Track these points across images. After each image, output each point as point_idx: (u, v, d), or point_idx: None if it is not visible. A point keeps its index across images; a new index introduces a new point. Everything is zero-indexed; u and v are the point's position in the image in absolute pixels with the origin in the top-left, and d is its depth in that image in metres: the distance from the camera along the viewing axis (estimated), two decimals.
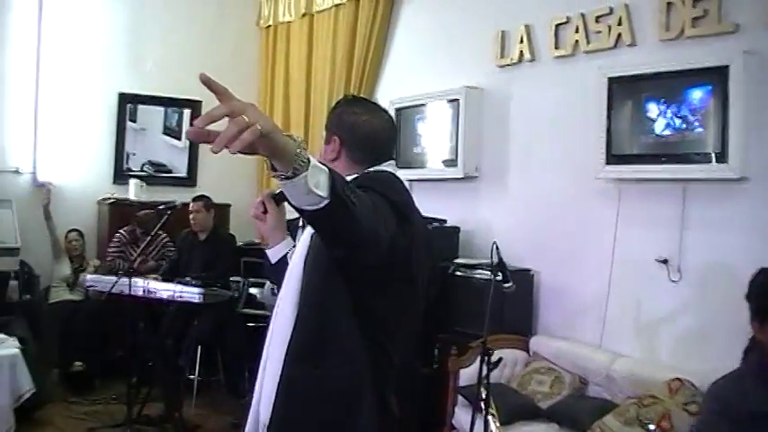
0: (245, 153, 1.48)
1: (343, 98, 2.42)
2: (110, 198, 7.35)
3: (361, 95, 6.72)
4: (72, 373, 6.47)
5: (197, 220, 6.45)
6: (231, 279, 6.64)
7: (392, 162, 2.25)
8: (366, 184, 1.93)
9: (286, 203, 2.18)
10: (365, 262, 1.87)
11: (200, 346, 6.22)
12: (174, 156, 8.05)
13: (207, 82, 1.51)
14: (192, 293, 5.71)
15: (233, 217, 7.70)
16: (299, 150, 1.55)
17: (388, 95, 6.58)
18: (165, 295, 5.75)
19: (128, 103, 7.72)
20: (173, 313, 6.17)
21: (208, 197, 6.62)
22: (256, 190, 8.11)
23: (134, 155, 7.86)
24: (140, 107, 7.82)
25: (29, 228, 6.77)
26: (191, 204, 6.49)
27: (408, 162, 6.19)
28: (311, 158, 1.57)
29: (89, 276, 6.40)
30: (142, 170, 7.82)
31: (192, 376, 6.24)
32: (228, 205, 7.64)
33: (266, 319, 6.08)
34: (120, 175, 7.69)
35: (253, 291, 6.62)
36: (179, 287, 5.78)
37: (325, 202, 1.58)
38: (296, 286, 2.06)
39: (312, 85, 7.61)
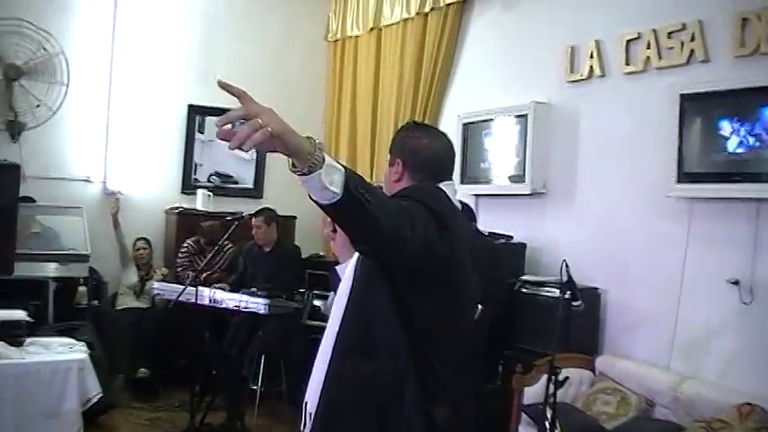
0: (264, 150, 1.71)
1: (406, 124, 2.58)
2: (177, 208, 7.46)
3: (426, 114, 6.78)
4: (137, 380, 6.56)
5: (259, 235, 6.44)
6: (296, 291, 6.66)
7: (451, 182, 2.36)
8: (406, 194, 2.09)
9: None
10: (392, 261, 2.01)
11: (263, 357, 6.24)
12: (240, 167, 8.13)
13: (225, 87, 1.73)
14: (257, 304, 5.75)
15: (298, 229, 7.73)
16: (314, 150, 1.69)
17: (455, 110, 6.57)
18: (230, 305, 5.80)
19: (196, 115, 7.83)
20: (237, 323, 6.20)
21: (270, 210, 6.59)
22: None
23: (201, 166, 7.96)
24: (208, 119, 7.91)
25: (98, 235, 6.89)
26: (253, 219, 6.50)
27: (474, 177, 6.17)
28: (327, 158, 1.71)
29: (156, 284, 6.50)
30: (209, 181, 7.92)
31: (254, 386, 6.26)
32: (294, 217, 7.67)
33: None
34: (188, 186, 7.80)
35: (317, 303, 6.64)
36: (245, 297, 5.82)
37: (338, 197, 1.72)
38: (347, 288, 2.19)
39: (379, 99, 7.63)
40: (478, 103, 6.28)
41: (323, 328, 2.21)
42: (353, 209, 1.75)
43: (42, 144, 7.05)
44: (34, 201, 6.75)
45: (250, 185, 8.18)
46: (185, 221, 7.30)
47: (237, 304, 5.79)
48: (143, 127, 7.46)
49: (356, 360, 2.08)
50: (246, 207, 6.89)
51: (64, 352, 4.56)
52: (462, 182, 6.23)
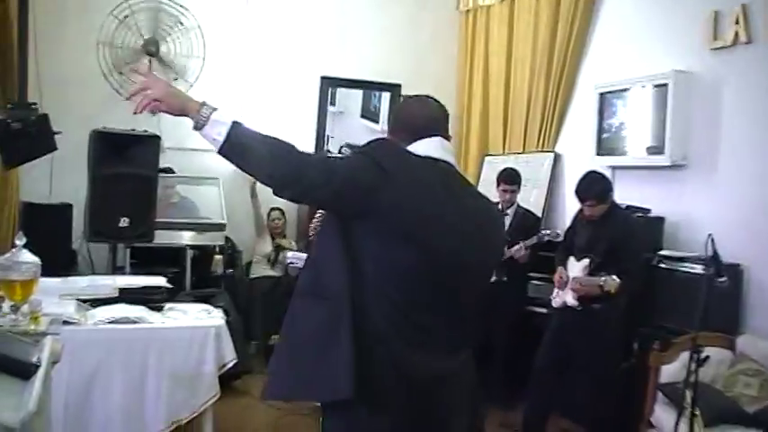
0: (156, 111, 2.29)
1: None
2: None
3: (561, 84, 6.64)
4: (270, 347, 6.70)
5: None
6: None
7: (435, 138, 2.49)
8: (357, 150, 2.47)
9: None
10: (305, 202, 2.78)
11: None
12: (371, 137, 8.12)
13: (135, 70, 2.57)
14: None
15: None
16: (200, 109, 2.23)
17: (591, 79, 6.41)
18: None
19: (329, 87, 7.88)
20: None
21: None
22: None
23: (332, 137, 8.02)
24: (339, 90, 7.96)
25: (233, 205, 7.07)
26: None
27: (611, 149, 6.00)
28: (216, 115, 2.22)
29: (290, 253, 6.61)
30: (340, 152, 7.97)
31: None
32: None
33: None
34: None
35: None
36: None
37: (219, 145, 2.20)
38: None
39: (512, 69, 7.51)
40: (615, 73, 6.10)
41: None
42: (239, 153, 2.21)
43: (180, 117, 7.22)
44: (173, 172, 6.97)
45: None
46: None
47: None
48: (276, 99, 7.56)
49: (307, 300, 2.31)
50: None
51: (201, 318, 4.67)
52: (598, 153, 6.07)
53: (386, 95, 8.03)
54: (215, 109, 2.24)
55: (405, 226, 2.25)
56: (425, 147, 2.44)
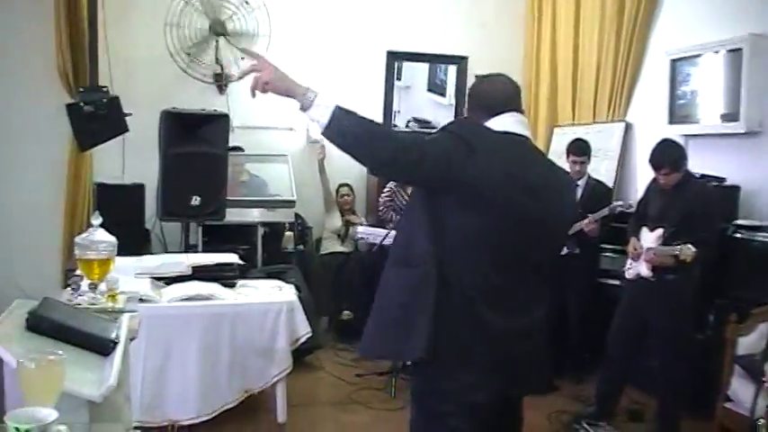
0: (264, 92, 2.44)
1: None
2: None
3: (630, 52, 6.50)
4: (340, 321, 6.76)
5: None
6: None
7: (514, 113, 2.65)
8: (442, 128, 2.64)
9: None
10: (412, 181, 2.70)
11: None
12: (438, 112, 8.08)
13: (246, 52, 2.59)
14: None
15: None
16: (306, 93, 2.39)
17: (661, 46, 6.25)
18: None
19: (395, 61, 7.84)
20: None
21: None
22: None
23: (398, 112, 7.99)
24: (405, 65, 7.92)
25: (302, 182, 7.10)
26: None
27: (683, 117, 5.86)
28: (317, 100, 2.38)
29: (360, 228, 6.62)
30: (407, 126, 7.94)
31: None
32: None
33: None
34: None
35: None
36: None
37: (322, 128, 2.38)
38: None
39: (580, 36, 7.36)
40: (687, 38, 5.92)
41: None
42: (340, 136, 2.39)
43: (248, 95, 7.26)
44: (242, 150, 7.03)
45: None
46: None
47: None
48: (343, 75, 7.53)
49: (398, 268, 2.56)
50: None
51: (273, 294, 4.73)
52: (670, 121, 5.94)
53: (452, 69, 7.95)
54: (317, 93, 2.40)
55: (487, 196, 2.43)
56: (503, 122, 2.60)
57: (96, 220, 2.72)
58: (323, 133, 2.39)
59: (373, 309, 2.65)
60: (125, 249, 5.05)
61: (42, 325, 2.09)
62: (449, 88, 8.00)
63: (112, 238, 2.74)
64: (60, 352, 1.64)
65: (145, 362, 4.24)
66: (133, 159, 6.66)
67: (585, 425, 4.65)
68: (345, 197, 7.34)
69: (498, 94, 2.71)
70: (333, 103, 2.38)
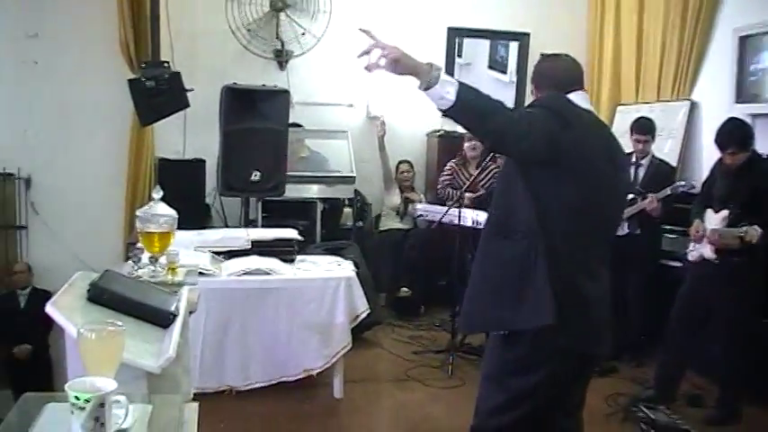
0: (391, 72, 2.48)
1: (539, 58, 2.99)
2: (439, 131, 7.46)
3: (697, 30, 6.33)
4: (398, 298, 6.74)
5: None
6: None
7: (580, 92, 2.74)
8: (534, 103, 2.68)
9: None
10: (518, 155, 2.55)
11: None
12: (499, 90, 7.98)
13: (366, 32, 2.55)
14: None
15: None
16: (431, 71, 2.38)
17: (729, 23, 6.07)
18: None
19: (456, 37, 7.76)
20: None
21: None
22: None
23: None
24: (466, 41, 7.84)
25: (362, 158, 7.10)
26: None
27: (750, 96, 5.70)
28: (443, 75, 2.38)
29: (419, 206, 6.59)
30: None
31: None
32: None
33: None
34: None
35: None
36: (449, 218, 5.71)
37: (451, 103, 2.38)
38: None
39: (644, 12, 7.18)
40: (755, 15, 5.73)
41: None
42: (466, 111, 2.42)
43: (308, 71, 7.31)
44: (302, 126, 7.04)
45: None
46: (446, 144, 7.31)
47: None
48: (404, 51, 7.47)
49: (499, 240, 2.61)
50: None
51: (332, 269, 4.73)
52: (737, 100, 5.79)
53: (513, 45, 7.86)
54: (441, 68, 2.42)
55: (578, 168, 2.53)
56: (575, 99, 2.68)
57: (157, 193, 2.73)
58: (447, 111, 2.40)
59: (473, 282, 2.70)
60: (186, 224, 5.08)
61: (103, 296, 2.11)
62: (510, 65, 7.90)
63: (173, 212, 2.75)
64: (120, 323, 1.64)
65: (204, 334, 4.29)
66: (194, 134, 6.72)
67: (644, 408, 4.55)
68: (405, 174, 7.31)
69: (567, 72, 2.80)
70: (456, 79, 2.40)
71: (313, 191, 6.70)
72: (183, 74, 5.65)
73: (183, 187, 6.14)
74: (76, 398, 1.36)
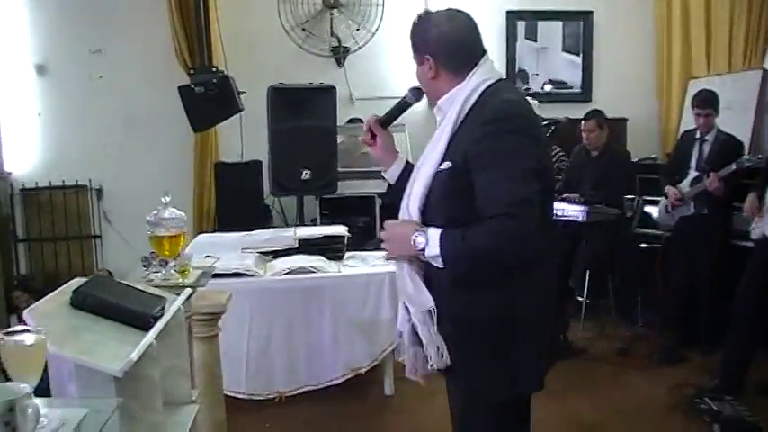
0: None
1: (416, 18, 2.44)
2: None
3: (764, 5, 6.03)
4: None
5: (591, 140, 5.95)
6: (626, 197, 6.23)
7: (488, 59, 2.31)
8: (501, 128, 2.13)
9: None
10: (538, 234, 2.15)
11: (588, 268, 5.92)
12: (570, 72, 7.79)
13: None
14: (576, 212, 5.50)
15: (630, 132, 7.31)
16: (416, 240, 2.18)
17: None
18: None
19: (516, 20, 7.59)
20: (558, 233, 5.96)
21: (600, 113, 6.06)
22: (653, 103, 7.66)
23: (536, 75, 7.76)
24: (540, 24, 7.67)
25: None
26: (582, 123, 6.04)
27: None
28: (426, 243, 2.16)
29: None
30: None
31: (580, 298, 6.04)
32: (624, 120, 7.26)
33: (661, 240, 5.71)
34: None
35: (648, 209, 6.23)
36: (562, 205, 5.57)
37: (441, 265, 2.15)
38: (421, 191, 2.38)
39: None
40: None
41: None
42: (456, 264, 2.15)
43: (366, 66, 7.28)
44: (362, 121, 7.00)
45: (578, 90, 7.81)
46: None
47: (555, 212, 5.54)
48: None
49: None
50: (572, 112, 6.73)
51: (378, 264, 4.67)
52: None
53: (574, 25, 7.65)
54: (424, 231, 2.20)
55: (547, 168, 2.33)
56: (488, 73, 2.29)
57: (166, 198, 2.75)
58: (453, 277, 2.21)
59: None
60: (246, 226, 5.20)
61: (86, 301, 2.11)
62: (580, 45, 7.69)
63: (182, 214, 2.75)
64: (41, 329, 1.63)
65: (250, 335, 4.31)
66: (251, 137, 6.73)
67: (708, 400, 4.27)
68: None
69: (469, 34, 2.34)
70: (436, 247, 2.15)
71: (372, 186, 6.64)
72: (239, 77, 5.70)
73: (242, 190, 6.21)
74: None
